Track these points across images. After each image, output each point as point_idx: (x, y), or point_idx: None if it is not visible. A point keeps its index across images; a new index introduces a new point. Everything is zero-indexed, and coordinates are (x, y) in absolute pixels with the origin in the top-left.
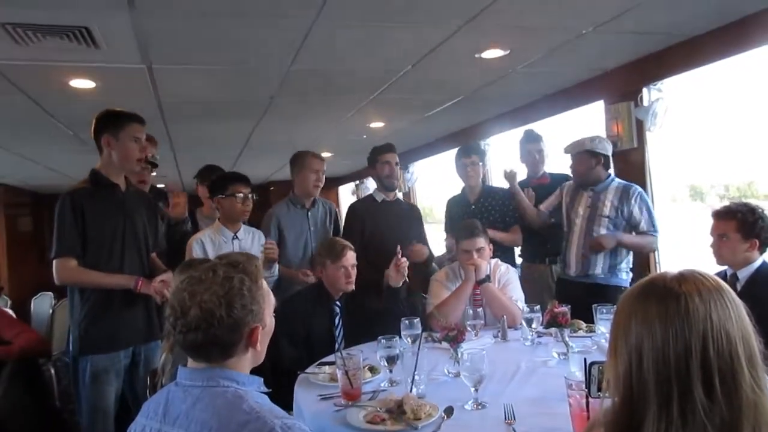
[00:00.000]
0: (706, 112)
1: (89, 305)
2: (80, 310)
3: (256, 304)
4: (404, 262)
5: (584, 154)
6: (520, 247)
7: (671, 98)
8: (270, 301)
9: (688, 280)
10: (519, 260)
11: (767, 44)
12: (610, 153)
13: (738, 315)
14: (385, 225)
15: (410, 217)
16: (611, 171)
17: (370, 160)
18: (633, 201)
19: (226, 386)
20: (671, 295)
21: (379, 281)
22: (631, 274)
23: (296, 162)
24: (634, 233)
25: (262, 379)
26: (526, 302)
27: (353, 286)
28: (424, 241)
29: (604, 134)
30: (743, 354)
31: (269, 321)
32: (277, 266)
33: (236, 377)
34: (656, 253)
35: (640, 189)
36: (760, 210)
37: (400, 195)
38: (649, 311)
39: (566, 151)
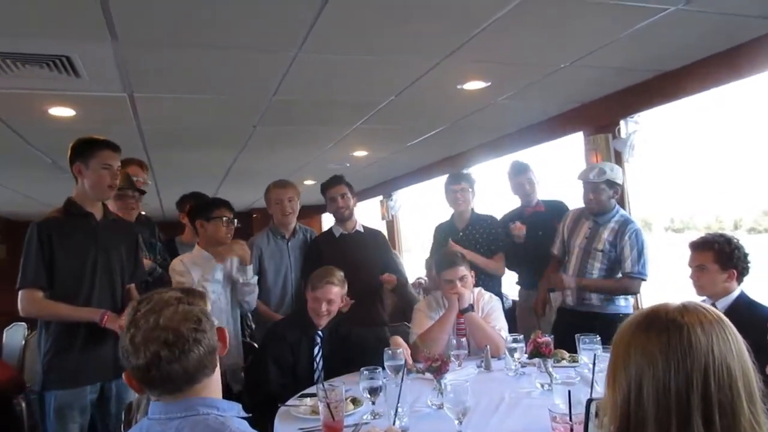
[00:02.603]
0: (656, 148)
1: (53, 339)
2: (45, 344)
3: (214, 326)
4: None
5: (604, 183)
6: (517, 275)
7: (646, 130)
8: None
9: (690, 311)
10: (517, 288)
11: (736, 81)
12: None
13: (738, 349)
14: (343, 259)
15: (373, 245)
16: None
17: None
18: (626, 238)
19: (206, 413)
20: (674, 326)
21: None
22: (631, 299)
23: (265, 197)
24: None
25: (240, 405)
26: (517, 331)
27: (324, 322)
28: (392, 267)
29: (583, 164)
30: (743, 389)
31: None
32: (250, 269)
33: (216, 404)
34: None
35: (636, 227)
36: (735, 240)
37: (367, 224)
38: (651, 341)
39: (583, 178)
